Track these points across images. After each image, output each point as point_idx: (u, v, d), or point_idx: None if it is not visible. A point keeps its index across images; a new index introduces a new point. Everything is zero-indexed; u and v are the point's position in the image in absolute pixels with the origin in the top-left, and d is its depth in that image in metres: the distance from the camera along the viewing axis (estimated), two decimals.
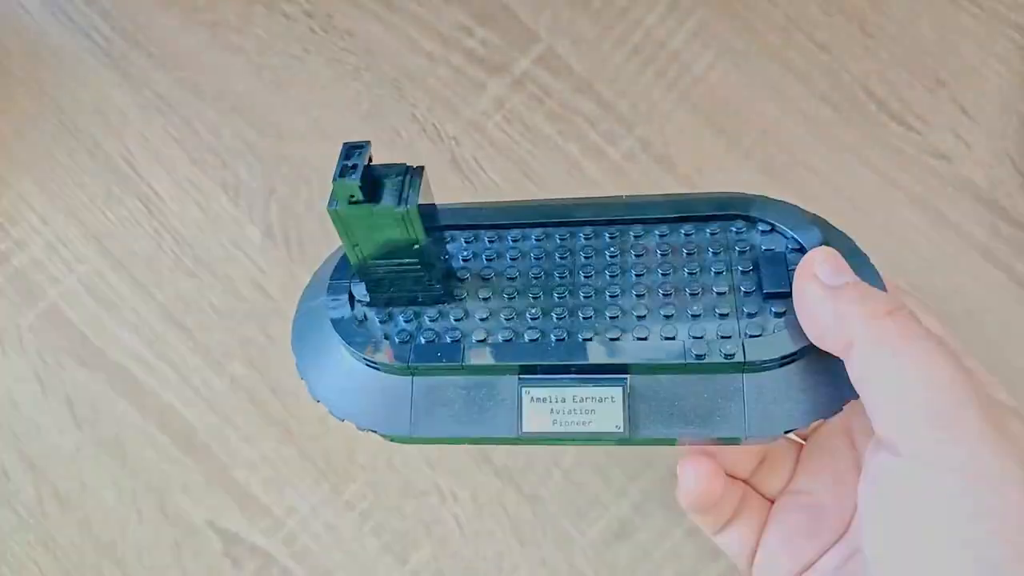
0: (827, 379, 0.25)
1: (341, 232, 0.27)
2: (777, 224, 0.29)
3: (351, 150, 0.25)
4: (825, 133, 0.50)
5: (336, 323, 0.29)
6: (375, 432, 0.28)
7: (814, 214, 0.29)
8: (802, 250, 0.28)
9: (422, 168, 0.26)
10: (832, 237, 0.28)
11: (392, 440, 0.28)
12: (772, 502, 0.31)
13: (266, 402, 0.50)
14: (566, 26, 0.54)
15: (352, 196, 0.25)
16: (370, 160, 0.25)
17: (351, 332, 0.29)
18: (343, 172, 0.25)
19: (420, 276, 0.28)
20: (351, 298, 0.30)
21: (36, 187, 0.56)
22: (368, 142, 0.25)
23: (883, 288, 0.26)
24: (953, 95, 0.50)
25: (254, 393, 0.50)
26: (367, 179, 0.25)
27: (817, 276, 0.25)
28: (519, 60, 0.54)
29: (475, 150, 0.53)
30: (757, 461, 0.31)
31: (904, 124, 0.50)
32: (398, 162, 0.26)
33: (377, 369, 0.28)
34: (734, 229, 0.29)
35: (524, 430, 0.26)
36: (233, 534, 0.48)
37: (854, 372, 0.23)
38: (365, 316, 0.29)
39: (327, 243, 0.56)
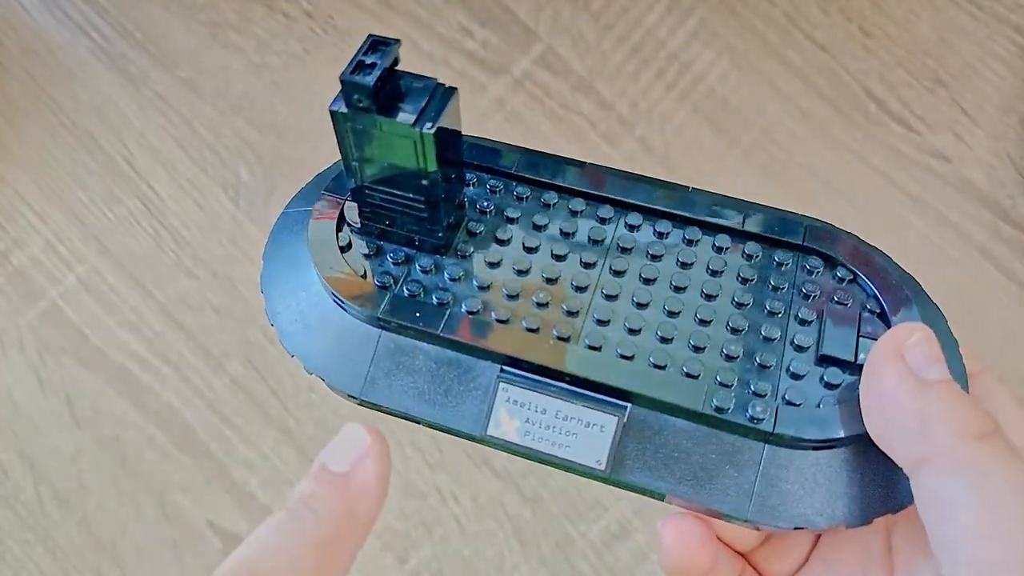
0: (867, 482, 0.21)
1: (341, 141, 0.23)
2: (861, 275, 0.23)
3: (376, 44, 0.21)
4: (825, 133, 0.50)
5: (313, 241, 0.24)
6: (323, 380, 0.24)
7: (909, 274, 0.24)
8: (882, 316, 0.23)
9: (455, 89, 0.22)
10: (921, 307, 0.23)
11: (338, 394, 0.24)
12: None
13: (266, 402, 0.50)
14: (566, 26, 0.54)
15: (360, 100, 0.21)
16: (396, 63, 0.21)
17: (327, 256, 0.24)
18: (356, 68, 0.21)
19: (423, 217, 0.23)
20: (341, 217, 0.25)
21: (35, 186, 0.56)
22: (398, 40, 0.21)
23: (966, 381, 0.22)
24: (953, 95, 0.50)
25: (254, 393, 0.50)
26: (385, 85, 0.21)
27: (905, 360, 0.20)
28: (519, 60, 0.54)
29: None
30: (763, 536, 0.26)
31: (904, 124, 0.50)
32: (430, 76, 0.22)
33: (344, 309, 0.23)
34: (808, 265, 0.24)
35: (489, 432, 0.22)
36: (233, 534, 0.48)
37: (925, 494, 0.19)
38: (350, 243, 0.25)
39: None
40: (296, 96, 0.55)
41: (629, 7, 0.54)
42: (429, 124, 0.21)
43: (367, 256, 0.25)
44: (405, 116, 0.21)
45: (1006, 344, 0.45)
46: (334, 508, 0.18)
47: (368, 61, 0.21)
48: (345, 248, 0.25)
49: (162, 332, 0.52)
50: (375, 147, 0.22)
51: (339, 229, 0.25)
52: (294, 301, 0.24)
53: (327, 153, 0.58)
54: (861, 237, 0.25)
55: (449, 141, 0.22)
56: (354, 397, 0.23)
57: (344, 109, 0.22)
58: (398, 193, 0.23)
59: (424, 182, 0.22)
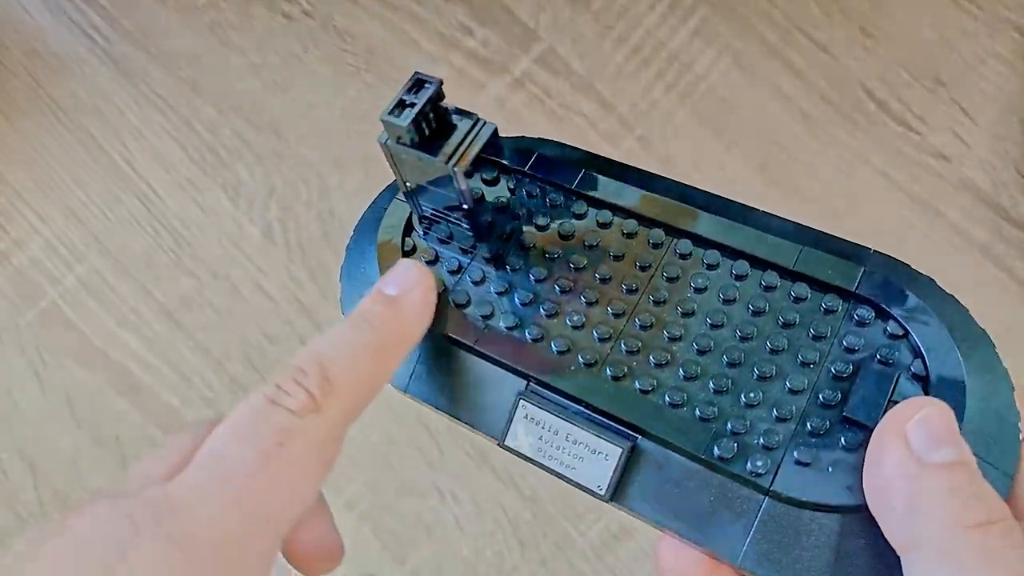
0: (866, 552, 0.20)
1: (391, 164, 0.24)
2: (914, 333, 0.22)
3: (418, 83, 0.22)
4: (825, 133, 0.50)
5: (380, 243, 0.26)
6: None
7: (981, 331, 0.22)
8: (925, 381, 0.21)
9: (493, 127, 0.23)
10: (977, 373, 0.21)
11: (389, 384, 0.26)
12: None
13: None
14: (566, 26, 0.54)
15: (399, 137, 0.22)
16: (440, 99, 0.22)
17: (390, 260, 0.26)
18: (396, 107, 0.22)
19: (470, 235, 0.25)
20: (408, 224, 0.26)
21: (35, 186, 0.56)
22: (439, 80, 0.22)
23: (1015, 457, 0.20)
24: (953, 95, 0.50)
25: None
26: (427, 120, 0.22)
27: (907, 438, 0.19)
28: (520, 60, 0.54)
29: None
30: None
31: (904, 124, 0.50)
32: (472, 111, 0.23)
33: None
34: (856, 315, 0.22)
35: (507, 442, 0.23)
36: None
37: None
38: (414, 248, 0.26)
39: (327, 244, 0.56)
40: (296, 96, 0.55)
41: (629, 7, 0.54)
42: (462, 161, 0.22)
43: (427, 262, 0.26)
44: (442, 152, 0.22)
45: (1006, 343, 0.45)
46: (386, 322, 0.22)
47: (408, 100, 0.22)
48: (409, 253, 0.26)
49: (162, 332, 0.52)
50: (420, 175, 0.24)
51: (406, 234, 0.27)
52: (360, 296, 0.26)
53: (326, 153, 0.58)
54: (937, 282, 0.23)
55: (489, 172, 0.24)
56: (401, 389, 0.25)
57: (388, 142, 0.23)
58: (446, 212, 0.25)
59: (466, 207, 0.24)
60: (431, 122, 0.22)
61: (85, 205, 0.55)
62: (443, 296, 0.25)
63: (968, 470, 0.19)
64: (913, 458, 0.19)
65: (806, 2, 0.52)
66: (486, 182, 0.25)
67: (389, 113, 0.22)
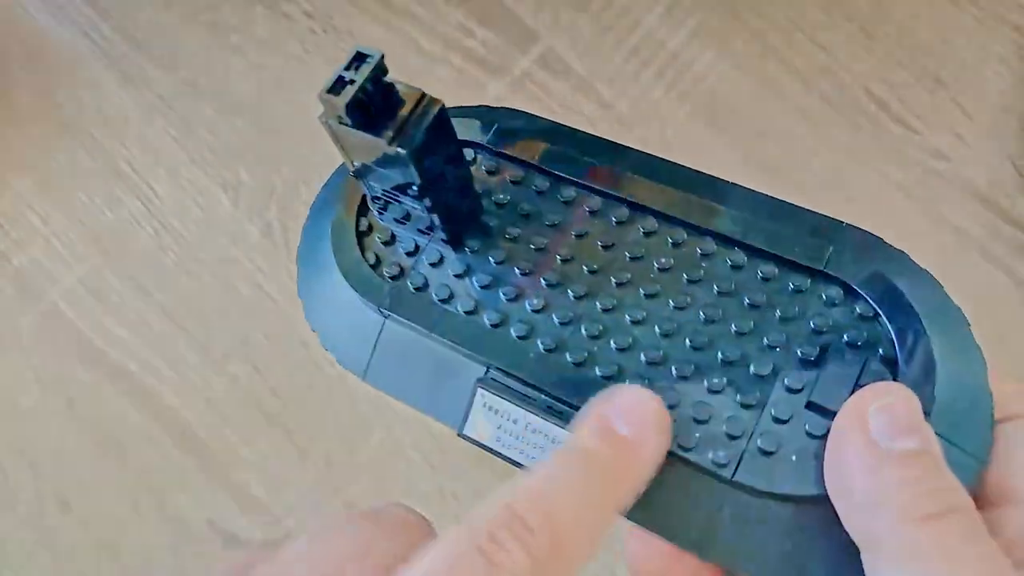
0: (828, 543, 0.19)
1: (336, 145, 0.22)
2: (883, 314, 0.21)
3: (357, 58, 0.20)
4: (825, 133, 0.50)
5: (335, 227, 0.25)
6: (334, 357, 0.25)
7: (956, 308, 0.21)
8: (894, 364, 0.21)
9: (439, 103, 0.21)
10: (948, 355, 0.20)
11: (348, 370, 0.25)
12: None
13: (266, 402, 0.50)
14: (566, 26, 0.54)
15: (340, 118, 0.21)
16: (383, 74, 0.21)
17: (344, 241, 0.25)
18: (334, 85, 0.20)
19: (423, 216, 0.24)
20: (364, 202, 0.25)
21: (36, 187, 0.56)
22: (379, 53, 0.20)
23: (987, 439, 0.19)
24: (953, 95, 0.50)
25: (254, 393, 0.50)
26: (370, 98, 0.20)
27: (867, 425, 0.18)
28: (519, 60, 0.54)
29: None
30: None
31: (904, 124, 0.50)
32: (416, 87, 0.21)
33: (356, 292, 0.24)
34: (825, 296, 0.22)
35: (465, 431, 0.23)
36: (233, 534, 0.48)
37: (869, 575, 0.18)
38: (370, 227, 0.25)
39: None
40: (296, 96, 0.55)
41: (629, 7, 0.54)
42: (407, 141, 0.21)
43: (384, 243, 0.25)
44: (385, 132, 0.21)
45: (1005, 344, 0.45)
46: (619, 472, 0.19)
47: (348, 78, 0.20)
48: (365, 232, 0.25)
49: (162, 332, 0.52)
50: (367, 155, 0.22)
51: (361, 214, 0.25)
52: (317, 279, 0.25)
53: (327, 154, 0.57)
54: (909, 256, 0.22)
55: (439, 150, 0.22)
56: (359, 377, 0.24)
57: (330, 122, 0.21)
58: (397, 193, 0.23)
59: (415, 188, 0.22)
60: (375, 99, 0.21)
61: (86, 206, 0.55)
62: (399, 279, 0.24)
63: (931, 459, 0.18)
64: (874, 447, 0.18)
65: (806, 3, 0.52)
66: (439, 159, 0.23)
67: (328, 91, 0.20)
